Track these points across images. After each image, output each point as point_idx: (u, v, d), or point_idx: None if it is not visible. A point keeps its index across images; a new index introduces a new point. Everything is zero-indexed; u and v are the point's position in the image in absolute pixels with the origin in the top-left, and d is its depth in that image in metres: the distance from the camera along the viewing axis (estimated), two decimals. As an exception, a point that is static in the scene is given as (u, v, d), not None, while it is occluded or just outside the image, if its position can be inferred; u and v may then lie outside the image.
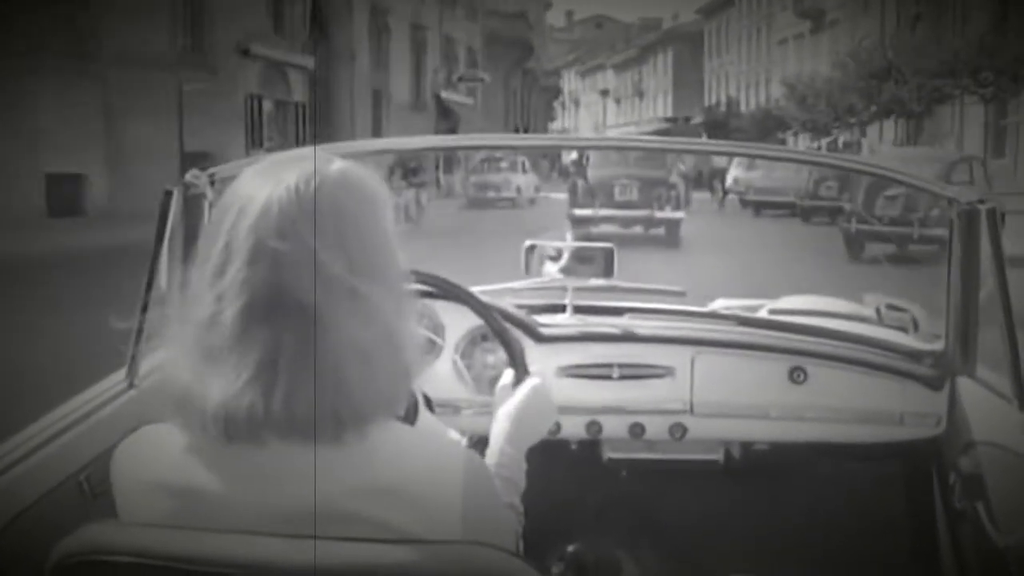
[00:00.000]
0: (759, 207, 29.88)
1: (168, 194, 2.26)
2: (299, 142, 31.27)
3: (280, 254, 1.20)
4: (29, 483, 1.81)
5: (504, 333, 2.03)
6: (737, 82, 77.57)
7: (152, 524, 1.23)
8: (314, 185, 1.22)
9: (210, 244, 1.24)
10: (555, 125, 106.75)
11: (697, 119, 77.34)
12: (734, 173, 33.02)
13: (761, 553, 2.70)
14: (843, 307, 3.41)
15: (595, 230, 19.24)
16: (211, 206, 2.23)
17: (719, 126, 72.55)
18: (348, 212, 1.24)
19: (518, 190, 34.79)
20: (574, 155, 30.41)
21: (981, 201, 2.26)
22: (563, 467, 2.58)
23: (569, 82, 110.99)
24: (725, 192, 34.27)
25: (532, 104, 66.47)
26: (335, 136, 33.59)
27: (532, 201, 35.70)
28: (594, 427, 2.62)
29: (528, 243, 2.77)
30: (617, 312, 2.87)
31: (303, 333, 1.19)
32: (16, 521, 1.72)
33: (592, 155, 20.76)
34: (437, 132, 41.38)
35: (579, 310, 2.80)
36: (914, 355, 2.63)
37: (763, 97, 69.67)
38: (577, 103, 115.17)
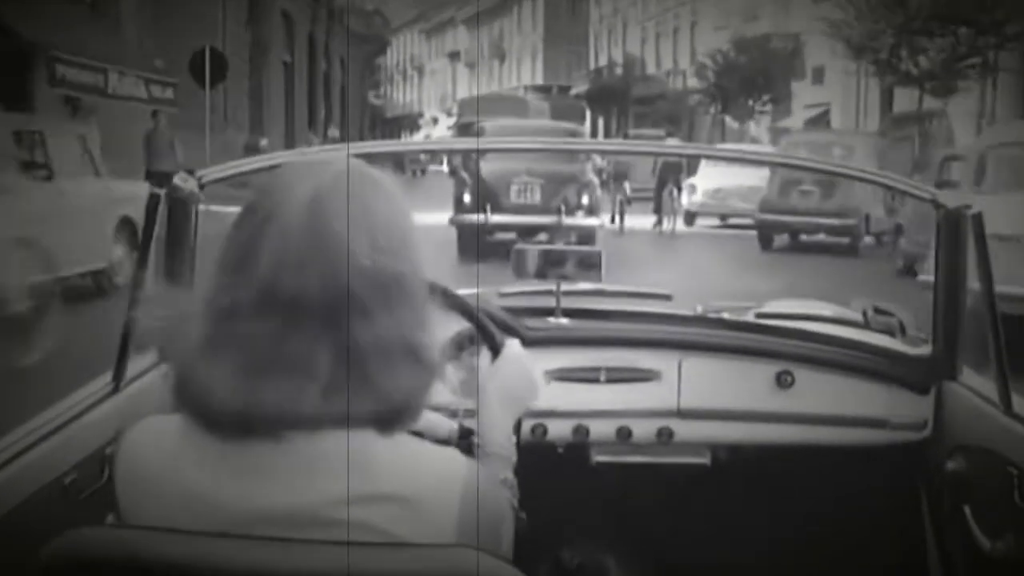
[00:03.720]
0: None
1: (155, 197, 2.27)
2: None
3: (307, 251, 1.23)
4: (13, 487, 1.86)
5: (476, 316, 2.15)
6: (642, 34, 60.48)
7: (143, 526, 1.27)
8: (346, 186, 1.28)
9: (232, 242, 1.28)
10: (398, 95, 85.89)
11: (579, 88, 58.58)
12: None
13: (748, 556, 2.89)
14: (830, 311, 3.49)
15: (489, 239, 16.14)
16: (198, 210, 2.30)
17: (614, 96, 53.98)
18: (376, 212, 1.29)
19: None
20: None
21: (967, 205, 2.41)
22: (550, 470, 2.59)
23: (412, 44, 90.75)
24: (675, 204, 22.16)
25: (332, 50, 42.83)
26: None
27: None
28: (581, 430, 2.75)
29: (517, 247, 2.90)
30: (605, 316, 3.04)
31: (322, 332, 1.22)
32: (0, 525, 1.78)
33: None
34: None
35: (567, 313, 2.93)
36: (901, 359, 2.79)
37: (685, 52, 49.08)
38: (420, 70, 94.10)
